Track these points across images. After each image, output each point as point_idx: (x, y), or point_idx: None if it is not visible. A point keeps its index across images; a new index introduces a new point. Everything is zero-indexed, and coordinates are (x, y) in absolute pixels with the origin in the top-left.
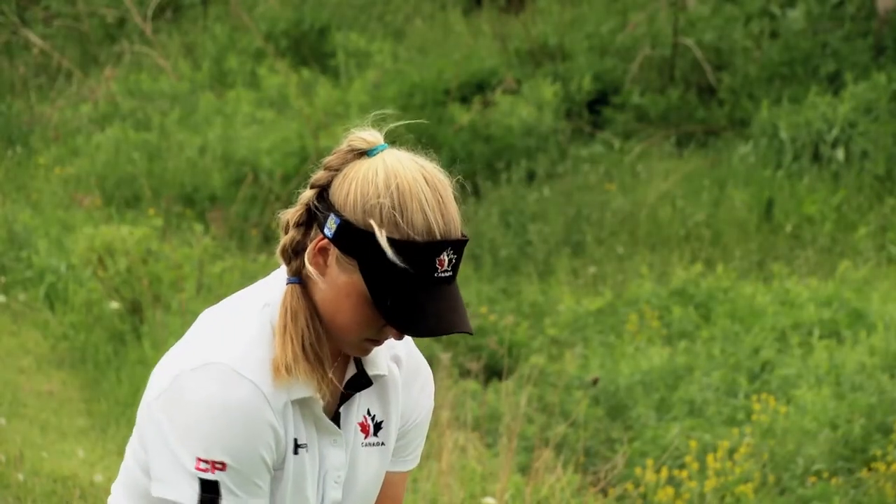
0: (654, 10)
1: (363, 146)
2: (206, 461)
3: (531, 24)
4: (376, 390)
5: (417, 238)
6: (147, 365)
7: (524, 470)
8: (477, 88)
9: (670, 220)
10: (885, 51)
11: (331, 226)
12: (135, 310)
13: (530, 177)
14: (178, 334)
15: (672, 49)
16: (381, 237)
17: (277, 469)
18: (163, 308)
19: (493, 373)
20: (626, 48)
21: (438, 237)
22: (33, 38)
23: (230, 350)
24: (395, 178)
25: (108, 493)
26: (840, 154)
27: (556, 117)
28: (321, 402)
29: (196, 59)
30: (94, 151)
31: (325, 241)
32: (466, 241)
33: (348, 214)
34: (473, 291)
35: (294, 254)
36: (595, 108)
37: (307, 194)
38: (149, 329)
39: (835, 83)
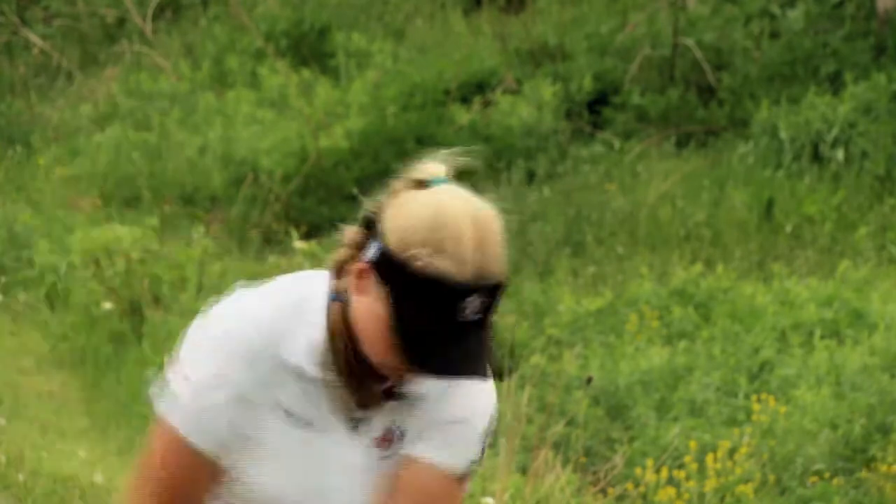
0: (654, 10)
1: (422, 177)
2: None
3: (531, 24)
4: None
5: (446, 279)
6: (147, 365)
7: (524, 470)
8: (477, 88)
9: (670, 220)
10: (886, 51)
11: (373, 251)
12: (134, 310)
13: (530, 177)
14: (179, 335)
15: (672, 49)
16: (412, 267)
17: (249, 429)
18: (163, 309)
19: (493, 373)
20: (626, 48)
21: (467, 282)
22: (33, 38)
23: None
24: (441, 215)
25: (108, 493)
26: (840, 154)
27: (556, 117)
28: (335, 387)
29: (196, 59)
30: (94, 151)
31: (366, 265)
32: (500, 286)
33: (388, 242)
34: None
35: (341, 271)
36: (595, 108)
37: (365, 217)
38: (149, 330)
39: (835, 83)
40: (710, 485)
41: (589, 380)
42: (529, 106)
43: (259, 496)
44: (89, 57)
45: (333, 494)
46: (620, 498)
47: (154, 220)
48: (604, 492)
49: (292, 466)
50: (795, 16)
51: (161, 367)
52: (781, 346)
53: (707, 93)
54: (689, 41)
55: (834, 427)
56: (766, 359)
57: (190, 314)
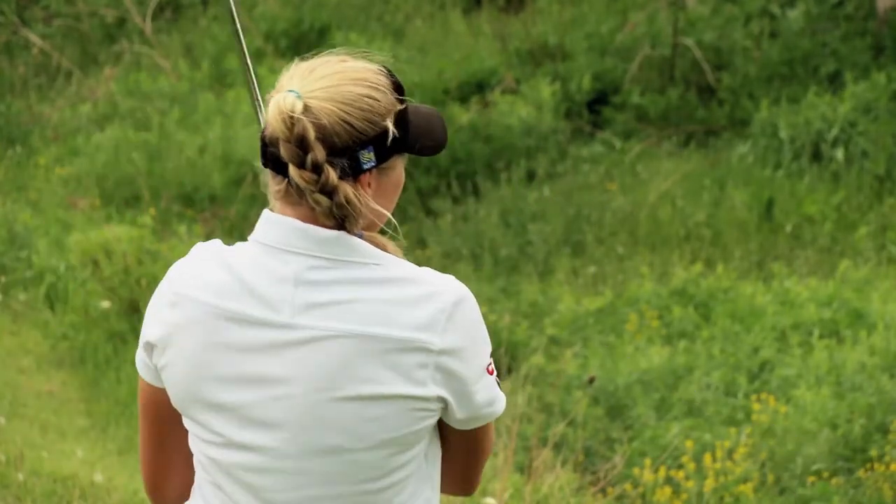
0: (654, 10)
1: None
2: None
3: (531, 24)
4: None
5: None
6: None
7: (523, 469)
8: (477, 88)
9: (670, 220)
10: (885, 50)
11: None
12: (133, 309)
13: (530, 177)
14: None
15: (672, 49)
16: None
17: None
18: None
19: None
20: (626, 48)
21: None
22: (33, 38)
23: None
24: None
25: (108, 492)
26: (840, 154)
27: (555, 117)
28: None
29: (196, 59)
30: (93, 151)
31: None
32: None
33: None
34: (473, 291)
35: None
36: (595, 107)
37: None
38: None
39: (834, 83)
40: (710, 484)
41: (591, 380)
42: (529, 106)
43: None
44: (89, 57)
45: None
46: (620, 498)
47: (147, 220)
48: (603, 491)
49: None
50: (795, 16)
51: None
52: (781, 345)
53: (707, 93)
54: (689, 41)
55: (833, 427)
56: (766, 358)
57: None
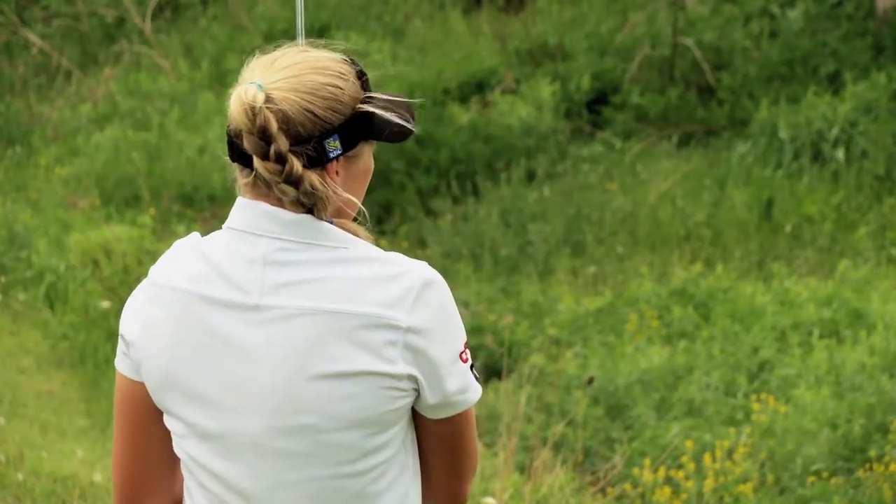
0: (654, 10)
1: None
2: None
3: (531, 24)
4: None
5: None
6: None
7: (523, 469)
8: (476, 88)
9: (670, 219)
10: (885, 50)
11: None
12: None
13: (530, 177)
14: None
15: (672, 49)
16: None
17: None
18: None
19: (492, 372)
20: (626, 48)
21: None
22: (33, 37)
23: None
24: None
25: (108, 492)
26: (840, 154)
27: (555, 117)
28: None
29: (195, 59)
30: (93, 151)
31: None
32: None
33: None
34: (473, 291)
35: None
36: (594, 107)
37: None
38: None
39: (834, 83)
40: (709, 484)
41: (590, 380)
42: (529, 106)
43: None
44: (89, 57)
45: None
46: (619, 498)
47: (147, 220)
48: (603, 491)
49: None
50: (795, 16)
51: None
52: (781, 345)
53: (707, 93)
54: (689, 41)
55: (833, 427)
56: (766, 358)
57: None
